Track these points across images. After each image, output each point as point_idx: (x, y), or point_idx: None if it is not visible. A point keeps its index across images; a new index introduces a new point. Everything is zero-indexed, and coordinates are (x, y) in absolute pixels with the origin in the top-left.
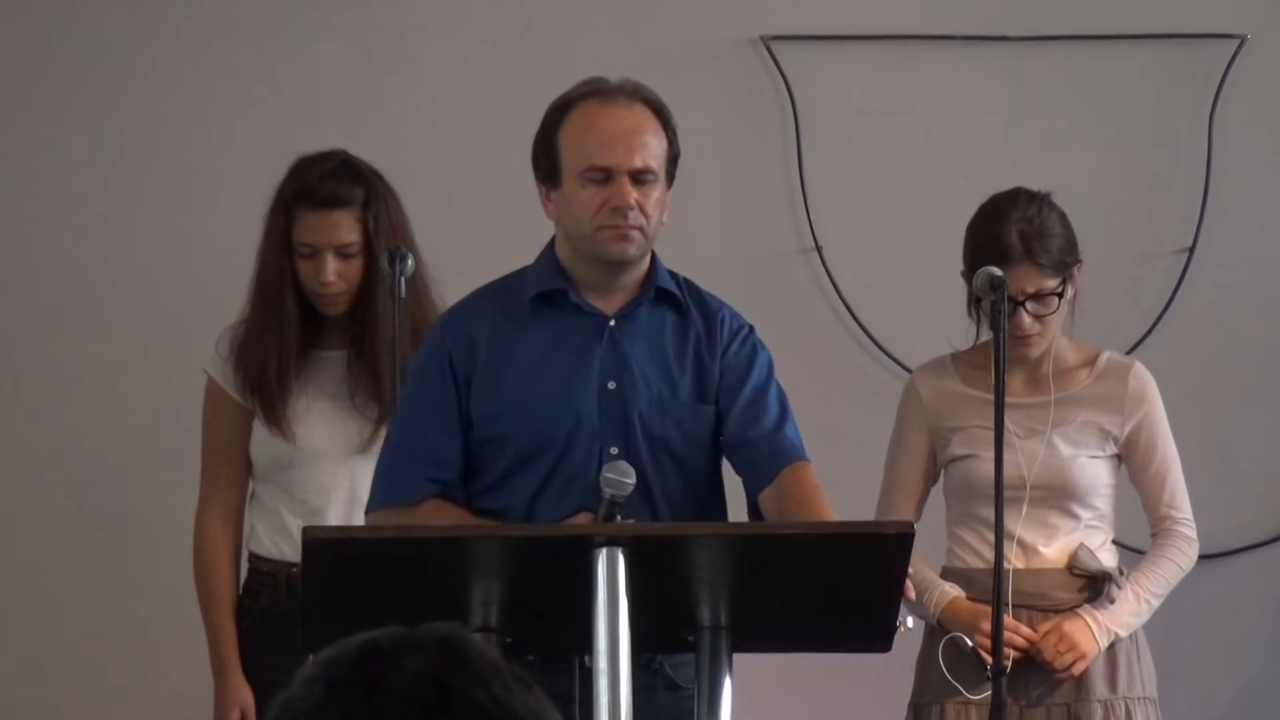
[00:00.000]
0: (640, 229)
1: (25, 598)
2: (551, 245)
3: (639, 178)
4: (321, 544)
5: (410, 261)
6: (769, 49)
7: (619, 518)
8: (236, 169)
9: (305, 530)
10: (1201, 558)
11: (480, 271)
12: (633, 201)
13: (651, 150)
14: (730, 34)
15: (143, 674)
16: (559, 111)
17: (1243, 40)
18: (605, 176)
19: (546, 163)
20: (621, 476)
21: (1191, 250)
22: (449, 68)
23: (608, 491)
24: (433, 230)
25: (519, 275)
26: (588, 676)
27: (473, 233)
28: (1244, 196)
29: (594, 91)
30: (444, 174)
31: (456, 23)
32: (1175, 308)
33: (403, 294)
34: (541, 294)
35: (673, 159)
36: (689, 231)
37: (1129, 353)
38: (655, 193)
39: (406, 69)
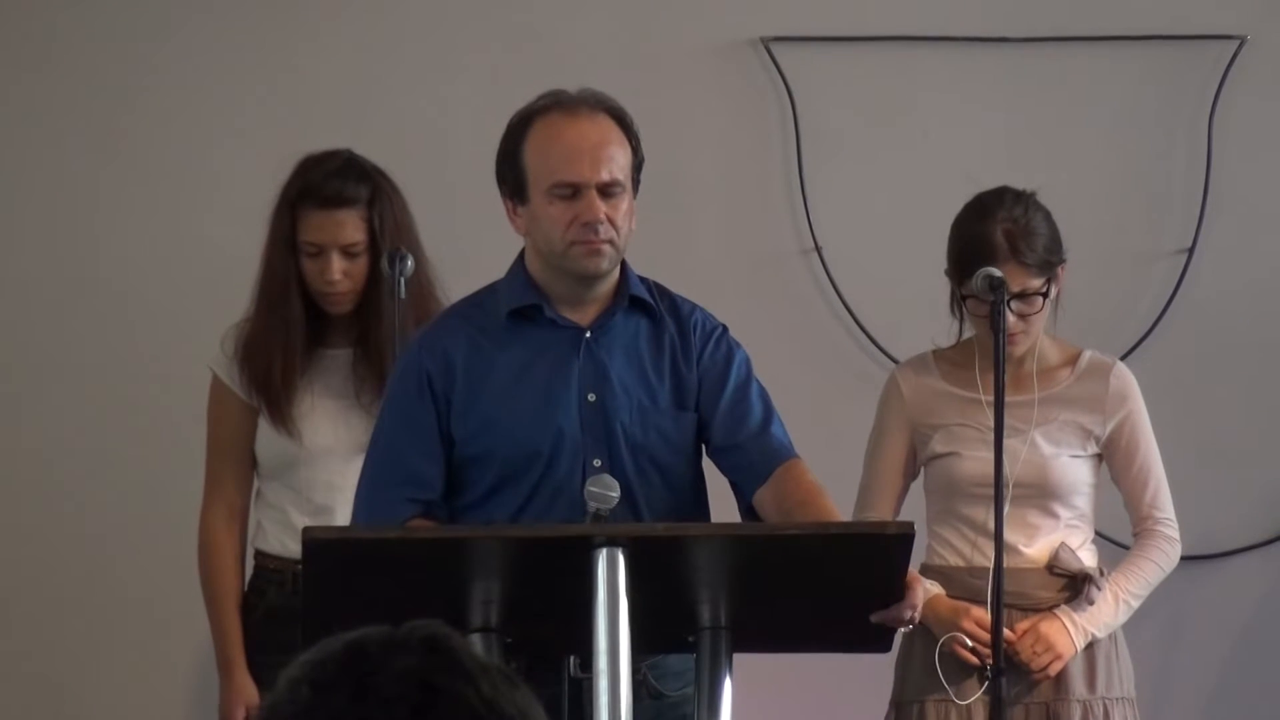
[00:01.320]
0: (610, 241)
1: (27, 597)
2: (521, 260)
3: (607, 190)
4: (322, 544)
5: (410, 262)
6: (769, 50)
7: None
8: (236, 169)
9: (305, 531)
10: (1201, 558)
11: (481, 271)
12: (602, 216)
13: (618, 162)
14: (730, 34)
15: (148, 672)
16: (521, 126)
17: (1243, 40)
18: (573, 192)
19: (512, 178)
20: (606, 490)
21: (1191, 250)
22: (449, 68)
23: (593, 505)
24: (433, 230)
25: (490, 292)
26: (576, 686)
27: (474, 232)
28: (1244, 196)
29: (555, 104)
30: (444, 174)
31: (457, 23)
32: (1175, 308)
33: (403, 294)
34: (516, 310)
35: (637, 166)
36: (689, 232)
37: (1129, 353)
38: (623, 204)
39: (406, 69)
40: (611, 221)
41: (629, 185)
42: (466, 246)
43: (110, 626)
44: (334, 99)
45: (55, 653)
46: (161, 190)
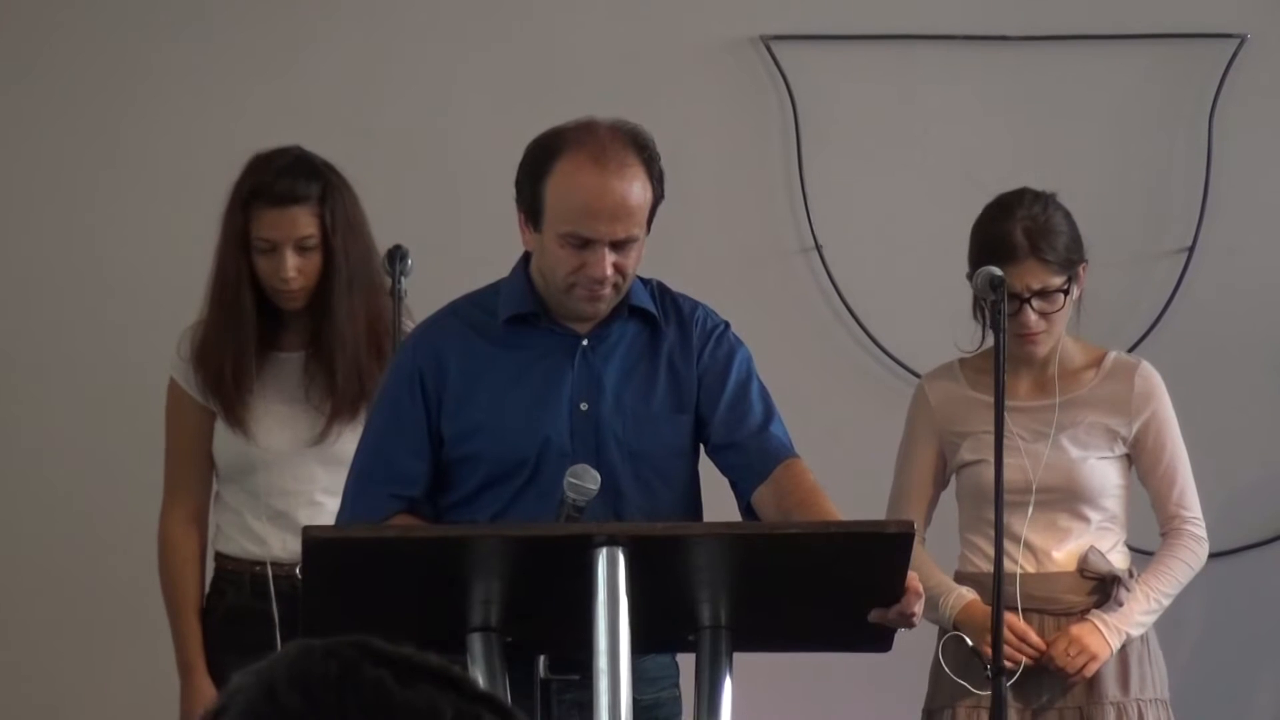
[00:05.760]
0: (615, 286)
1: (21, 596)
2: (525, 264)
3: (619, 245)
4: (321, 544)
5: (410, 261)
6: (769, 49)
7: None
8: (235, 169)
9: (305, 530)
10: None
11: (481, 271)
12: (609, 271)
13: (636, 218)
14: (730, 34)
15: (141, 673)
16: (548, 155)
17: (1243, 40)
18: (585, 243)
19: (529, 200)
20: (584, 481)
21: (1191, 250)
22: (449, 68)
23: (570, 496)
24: (433, 230)
25: (493, 291)
26: (545, 688)
27: (473, 232)
28: (1244, 196)
29: (586, 144)
30: (445, 174)
31: (457, 22)
32: (1175, 308)
33: (404, 293)
34: (514, 315)
35: (656, 204)
36: (689, 231)
37: (1129, 352)
38: (634, 252)
39: (406, 69)
40: (620, 270)
41: (644, 232)
42: (466, 247)
43: (100, 627)
44: (334, 99)
45: (48, 653)
46: (161, 191)
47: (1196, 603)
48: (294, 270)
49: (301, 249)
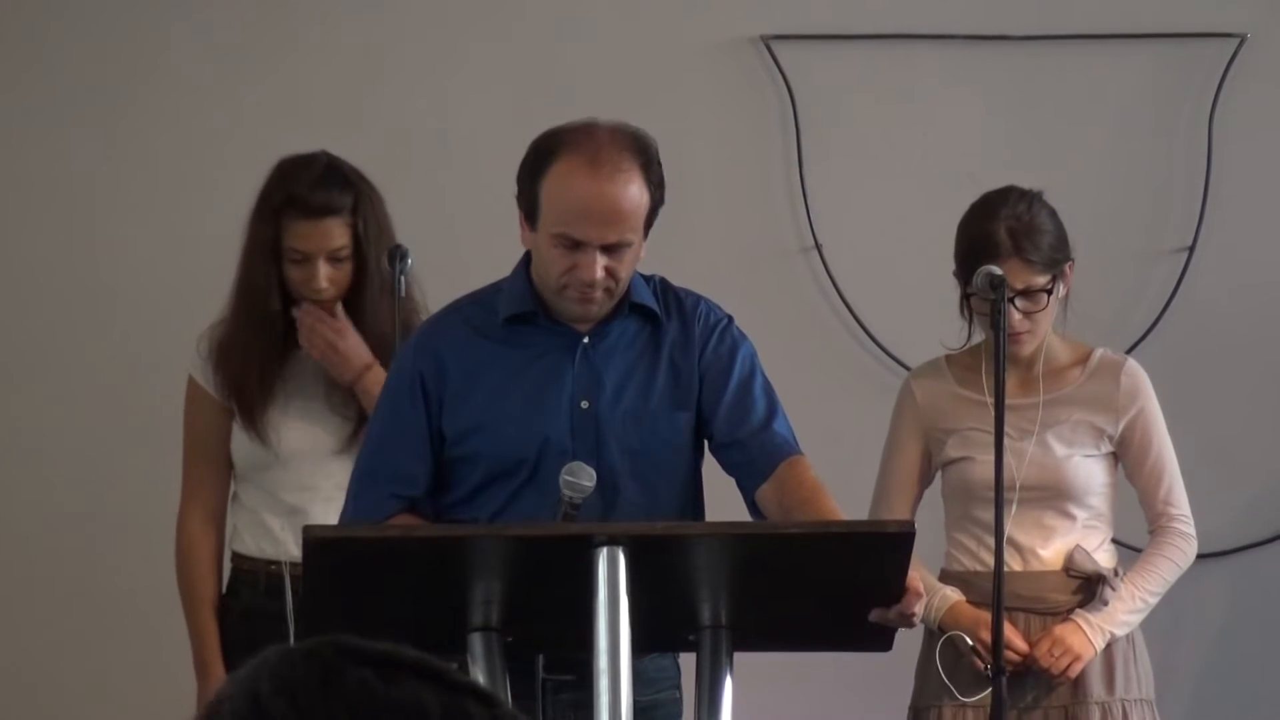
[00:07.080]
0: (608, 290)
1: (19, 596)
2: (526, 265)
3: (611, 249)
4: (321, 544)
5: (411, 260)
6: (769, 49)
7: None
8: (236, 169)
9: (305, 530)
10: (1201, 557)
11: (481, 270)
12: (600, 274)
13: (629, 222)
14: (730, 34)
15: (127, 673)
16: (546, 154)
17: (1243, 40)
18: (576, 245)
19: (527, 199)
20: (579, 478)
21: (1191, 250)
22: (449, 67)
23: (566, 494)
24: (433, 230)
25: (493, 291)
26: (540, 687)
27: (474, 233)
28: (1244, 196)
29: (582, 146)
30: (444, 174)
31: (457, 22)
32: (1175, 308)
33: (403, 292)
34: (514, 314)
35: (655, 208)
36: (689, 231)
37: (1129, 352)
38: (629, 255)
39: (407, 69)
40: (612, 273)
41: (640, 236)
42: (466, 247)
43: (101, 627)
44: (334, 99)
45: (45, 652)
46: (160, 190)
47: (1197, 603)
48: (327, 281)
49: (334, 259)
